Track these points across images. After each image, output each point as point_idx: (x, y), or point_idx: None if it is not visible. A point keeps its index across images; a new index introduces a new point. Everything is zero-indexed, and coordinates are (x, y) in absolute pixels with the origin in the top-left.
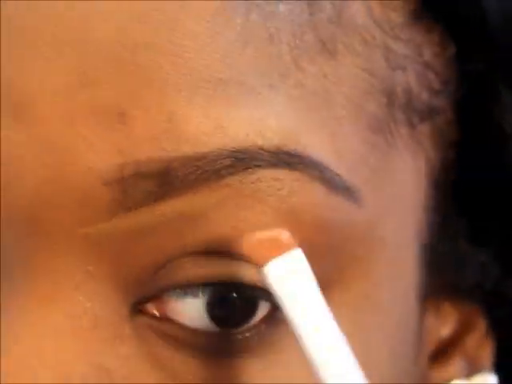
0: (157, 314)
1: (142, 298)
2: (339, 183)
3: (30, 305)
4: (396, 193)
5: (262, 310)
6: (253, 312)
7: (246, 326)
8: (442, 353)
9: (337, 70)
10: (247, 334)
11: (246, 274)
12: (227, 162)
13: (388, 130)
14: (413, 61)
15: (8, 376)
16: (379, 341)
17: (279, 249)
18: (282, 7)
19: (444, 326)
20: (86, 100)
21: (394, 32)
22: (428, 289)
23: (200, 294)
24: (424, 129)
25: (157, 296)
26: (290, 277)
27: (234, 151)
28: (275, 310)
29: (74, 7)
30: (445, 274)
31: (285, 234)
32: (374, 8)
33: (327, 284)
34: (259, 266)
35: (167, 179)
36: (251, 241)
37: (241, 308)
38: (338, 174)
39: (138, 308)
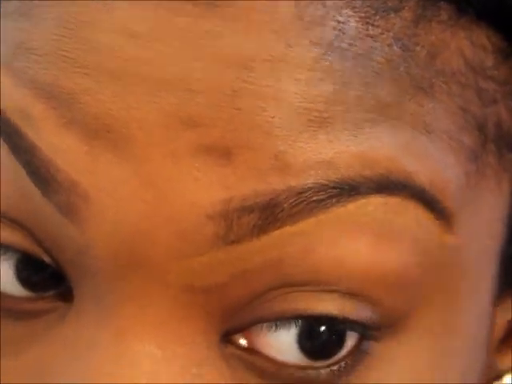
0: (245, 344)
1: (232, 329)
2: (439, 209)
3: (120, 335)
4: (481, 218)
5: (350, 341)
6: (341, 344)
7: (334, 359)
8: (503, 341)
9: (435, 108)
10: (334, 367)
11: (335, 305)
12: (333, 191)
13: (480, 160)
14: (503, 96)
15: None
16: (453, 364)
17: None
18: (379, 58)
19: (506, 316)
20: (189, 139)
21: (485, 73)
22: (499, 291)
23: (290, 327)
24: (510, 156)
25: (247, 327)
26: None
27: (339, 181)
28: (361, 341)
29: (171, 53)
30: None
31: None
32: (466, 52)
33: (409, 311)
34: None
35: (273, 212)
36: None
37: (330, 340)
38: (439, 201)
39: (227, 338)
